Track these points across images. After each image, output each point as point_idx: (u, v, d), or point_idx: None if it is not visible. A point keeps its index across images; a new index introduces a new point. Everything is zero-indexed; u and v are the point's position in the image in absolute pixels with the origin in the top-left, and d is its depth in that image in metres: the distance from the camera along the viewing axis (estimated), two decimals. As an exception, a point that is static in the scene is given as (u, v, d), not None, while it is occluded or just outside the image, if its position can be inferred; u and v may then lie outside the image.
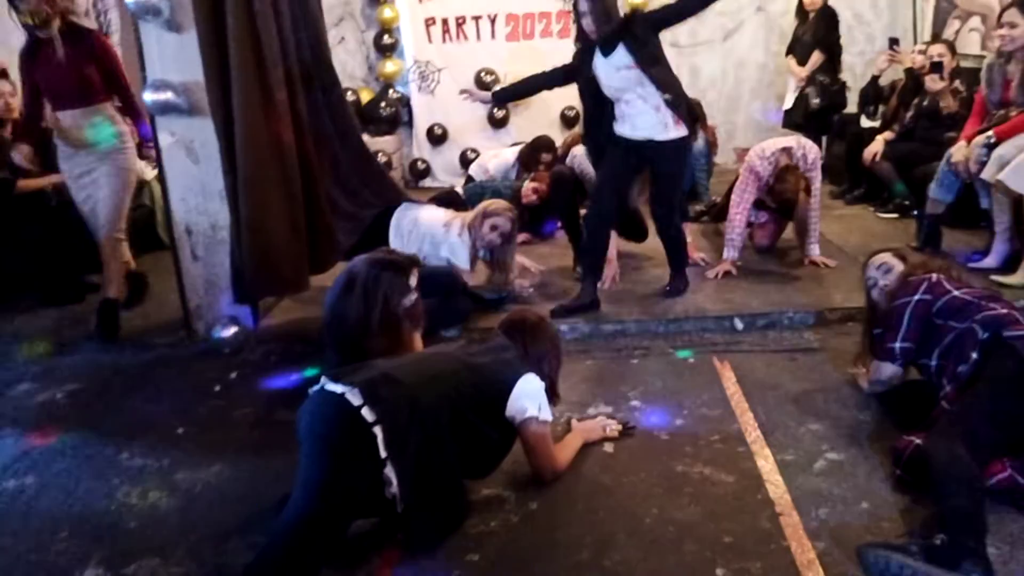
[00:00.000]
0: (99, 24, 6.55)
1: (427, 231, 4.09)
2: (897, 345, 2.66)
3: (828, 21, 6.26)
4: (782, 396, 3.05)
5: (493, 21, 7.38)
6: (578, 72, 3.93)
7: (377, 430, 2.09)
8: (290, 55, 3.74)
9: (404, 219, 4.15)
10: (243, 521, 2.42)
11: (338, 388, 2.15)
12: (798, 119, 6.38)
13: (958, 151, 4.25)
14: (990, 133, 4.10)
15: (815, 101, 6.19)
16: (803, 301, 3.90)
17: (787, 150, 4.31)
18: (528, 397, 2.38)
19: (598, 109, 3.92)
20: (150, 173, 5.54)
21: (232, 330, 3.85)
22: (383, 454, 2.10)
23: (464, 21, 7.37)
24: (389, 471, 2.12)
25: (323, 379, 2.23)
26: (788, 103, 6.55)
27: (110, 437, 3.02)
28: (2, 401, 3.44)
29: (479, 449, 2.36)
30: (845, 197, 5.90)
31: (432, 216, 4.17)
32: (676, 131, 3.74)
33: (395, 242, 4.08)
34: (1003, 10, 4.26)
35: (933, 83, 4.95)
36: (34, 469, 2.81)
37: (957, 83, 5.04)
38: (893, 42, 5.93)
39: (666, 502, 2.39)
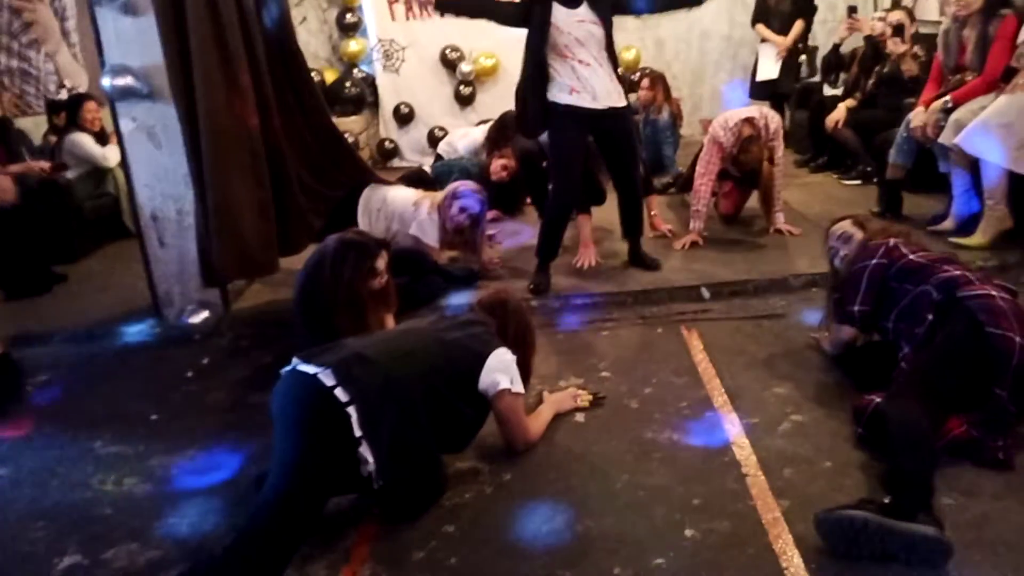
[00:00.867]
0: (54, 10, 6.42)
1: (396, 210, 4.10)
2: (856, 308, 2.72)
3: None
4: (748, 362, 3.12)
5: (457, -3, 7.31)
6: (529, 19, 3.62)
7: (351, 410, 2.12)
8: (255, 36, 3.71)
9: (373, 198, 4.15)
10: (220, 503, 2.44)
11: (310, 369, 2.17)
12: (787, 89, 6.33)
13: (916, 116, 4.34)
14: (947, 98, 4.18)
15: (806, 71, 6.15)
16: (768, 268, 3.97)
17: (750, 120, 4.36)
18: (500, 371, 2.41)
19: (539, 71, 3.68)
20: (115, 158, 5.47)
21: (202, 315, 3.86)
22: (358, 433, 2.12)
23: (427, -2, 7.30)
24: (364, 450, 2.14)
25: (294, 360, 2.24)
26: (769, 74, 6.42)
27: (83, 426, 3.02)
28: (-29, 394, 3.41)
29: (453, 424, 2.39)
30: (809, 165, 5.97)
31: (401, 195, 4.18)
32: (625, 99, 3.84)
33: (363, 221, 4.09)
34: None
35: (895, 46, 5.05)
36: (7, 461, 2.81)
37: (917, 48, 5.12)
38: (852, 10, 5.99)
39: (636, 468, 2.45)
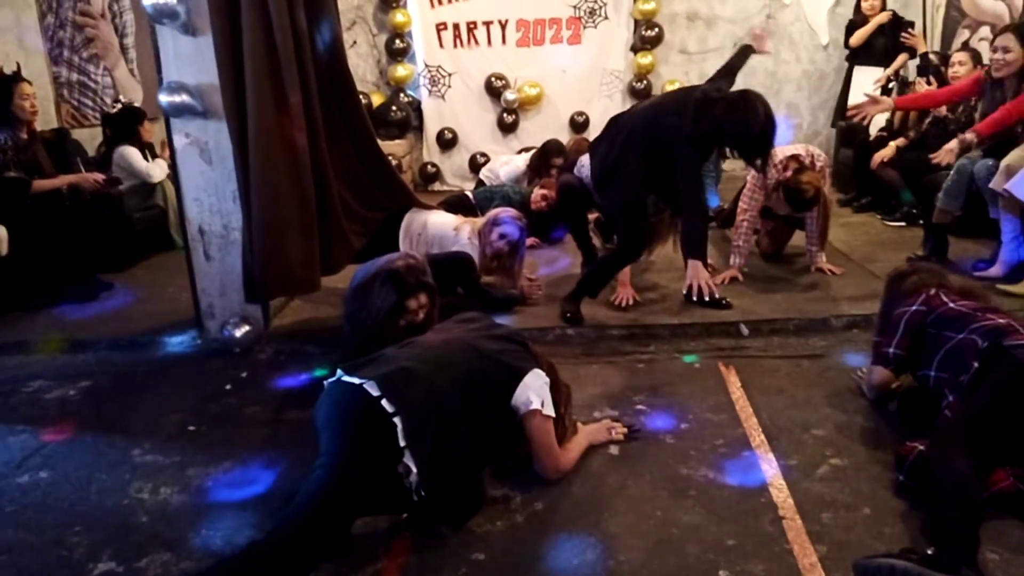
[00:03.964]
0: (115, 27, 6.64)
1: (437, 234, 4.14)
2: (892, 350, 2.73)
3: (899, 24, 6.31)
4: (787, 402, 3.07)
5: (504, 27, 7.44)
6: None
7: (397, 420, 2.15)
8: (306, 59, 3.79)
9: (414, 222, 4.20)
10: (254, 517, 2.46)
11: (356, 379, 2.21)
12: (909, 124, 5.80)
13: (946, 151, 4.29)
14: (969, 136, 4.14)
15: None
16: (809, 308, 3.92)
17: (796, 157, 4.33)
18: (534, 390, 2.43)
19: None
20: (159, 174, 5.61)
21: (243, 329, 3.90)
22: (403, 443, 2.15)
23: (475, 26, 7.43)
24: (408, 460, 2.17)
25: (339, 371, 2.29)
26: (862, 97, 6.31)
27: (122, 433, 3.07)
28: (16, 397, 3.49)
29: (490, 435, 2.41)
30: (853, 205, 5.92)
31: (442, 220, 4.22)
32: None
33: (404, 244, 4.13)
34: (997, 33, 4.28)
35: (921, 86, 5.11)
36: (47, 464, 2.86)
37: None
38: (909, 25, 6.03)
39: (670, 504, 2.42)
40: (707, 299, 3.71)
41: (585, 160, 4.58)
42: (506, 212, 4.13)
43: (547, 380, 2.50)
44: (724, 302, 3.90)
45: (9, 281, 4.45)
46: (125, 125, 5.64)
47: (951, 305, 2.65)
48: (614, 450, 2.75)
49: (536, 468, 2.53)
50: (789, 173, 4.25)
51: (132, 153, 5.51)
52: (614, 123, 3.93)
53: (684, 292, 3.81)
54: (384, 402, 2.16)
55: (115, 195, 5.31)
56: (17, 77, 4.66)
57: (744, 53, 4.29)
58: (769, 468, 2.59)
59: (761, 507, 2.38)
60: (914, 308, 2.69)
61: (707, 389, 3.21)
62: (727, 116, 3.49)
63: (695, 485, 2.52)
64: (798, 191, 4.19)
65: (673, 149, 3.58)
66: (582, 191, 4.44)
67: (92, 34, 6.40)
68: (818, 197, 4.25)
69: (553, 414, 2.49)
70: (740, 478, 2.54)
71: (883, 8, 6.33)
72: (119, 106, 6.29)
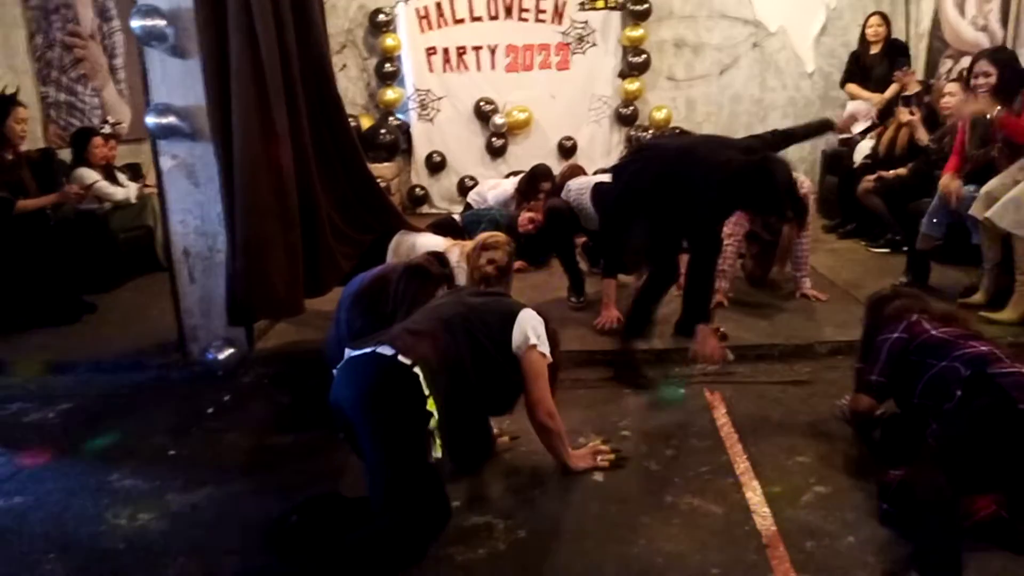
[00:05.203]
0: (104, 47, 6.64)
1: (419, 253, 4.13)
2: (873, 378, 2.72)
3: (902, 51, 6.37)
4: (772, 428, 3.07)
5: (493, 52, 7.50)
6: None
7: (417, 370, 2.22)
8: (295, 83, 3.80)
9: (403, 243, 4.20)
10: (232, 543, 2.42)
11: (366, 348, 2.30)
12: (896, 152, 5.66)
13: (945, 181, 4.36)
14: None
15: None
16: (794, 333, 3.93)
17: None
18: (531, 327, 2.52)
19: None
20: (119, 195, 5.55)
21: (227, 352, 3.87)
22: (426, 392, 2.21)
23: (465, 51, 7.48)
24: (431, 408, 2.23)
25: (346, 352, 2.36)
26: (856, 129, 6.28)
27: (101, 458, 3.03)
28: (-5, 420, 3.45)
29: (498, 380, 2.50)
30: (837, 231, 5.96)
31: (431, 243, 4.22)
32: None
33: (391, 260, 4.14)
34: (974, 62, 4.35)
35: (903, 116, 5.19)
36: (24, 489, 2.81)
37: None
38: (903, 56, 6.11)
39: (655, 532, 2.40)
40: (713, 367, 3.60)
41: (573, 184, 4.61)
42: (495, 237, 4.13)
43: (541, 319, 2.58)
44: (719, 332, 3.89)
45: (-9, 302, 4.41)
46: (76, 147, 5.60)
47: (933, 332, 2.64)
48: (598, 476, 2.73)
49: (528, 408, 2.57)
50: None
51: (87, 175, 5.42)
52: (640, 153, 3.92)
53: (690, 356, 3.59)
54: (400, 357, 2.23)
55: (100, 215, 5.29)
56: (14, 100, 4.64)
57: (820, 129, 4.27)
58: (753, 496, 2.58)
59: (745, 535, 2.37)
60: (896, 336, 2.68)
61: (692, 415, 3.21)
62: (747, 189, 3.37)
63: (679, 512, 2.51)
64: (769, 224, 4.38)
65: (694, 203, 3.46)
66: (570, 216, 4.46)
67: (81, 55, 6.40)
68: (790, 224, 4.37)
69: (548, 353, 2.55)
70: (725, 505, 2.53)
71: (888, 35, 6.34)
72: (107, 127, 6.29)
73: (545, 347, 2.55)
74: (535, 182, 5.54)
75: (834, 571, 2.17)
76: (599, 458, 2.78)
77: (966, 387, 2.40)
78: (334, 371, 2.38)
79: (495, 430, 2.91)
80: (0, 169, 4.48)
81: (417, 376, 2.22)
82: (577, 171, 5.28)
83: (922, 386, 2.55)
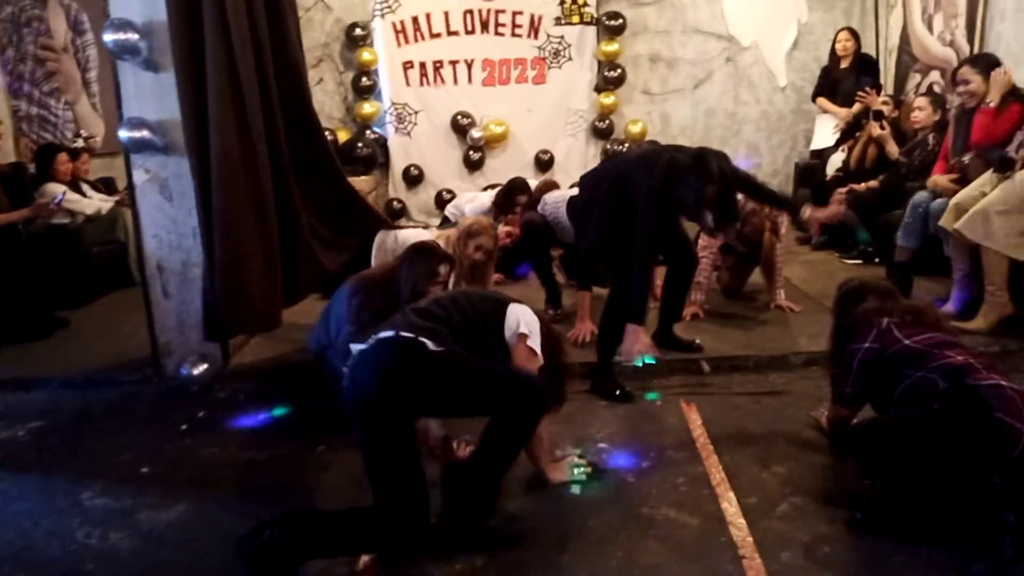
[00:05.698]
0: (77, 61, 6.59)
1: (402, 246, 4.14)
2: (848, 390, 2.73)
3: (872, 66, 6.48)
4: (747, 439, 3.09)
5: (470, 66, 7.52)
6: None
7: (423, 339, 2.32)
8: (272, 96, 3.79)
9: (387, 239, 4.27)
10: (206, 561, 2.39)
11: (384, 334, 2.36)
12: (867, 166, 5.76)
13: (933, 182, 4.49)
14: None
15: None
16: (769, 344, 3.97)
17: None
18: (523, 319, 2.55)
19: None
20: (86, 207, 5.51)
21: (201, 368, 3.84)
22: (434, 348, 2.32)
23: (441, 65, 7.50)
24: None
25: (352, 348, 2.41)
26: (823, 143, 6.52)
27: (72, 476, 2.98)
28: (-38, 438, 3.38)
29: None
30: (811, 243, 6.03)
31: (416, 235, 4.27)
32: None
33: (375, 259, 4.15)
34: (955, 69, 4.44)
35: (874, 130, 5.31)
36: (-8, 508, 2.77)
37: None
38: (873, 69, 6.25)
39: (632, 544, 2.40)
40: (641, 364, 3.50)
41: (549, 198, 4.63)
42: (479, 223, 4.16)
43: (535, 316, 2.60)
44: (694, 344, 3.92)
45: (-40, 317, 4.34)
46: (41, 163, 5.57)
47: (906, 342, 2.60)
48: (575, 489, 2.73)
49: None
50: (747, 210, 4.33)
51: (54, 189, 5.38)
52: (604, 163, 3.94)
53: (617, 357, 3.46)
54: (402, 333, 2.33)
55: (72, 229, 5.23)
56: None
57: (784, 203, 4.18)
58: (729, 507, 2.59)
59: (721, 546, 2.37)
60: (866, 346, 2.66)
61: (668, 427, 3.22)
62: (679, 176, 3.32)
63: (656, 524, 2.51)
64: (743, 236, 4.41)
65: (637, 205, 3.42)
66: (546, 229, 4.48)
67: (54, 68, 6.35)
68: (762, 241, 4.45)
69: (538, 347, 2.55)
70: (700, 516, 2.54)
71: (857, 50, 6.45)
72: (80, 140, 6.24)
73: (536, 342, 2.54)
74: (511, 195, 5.56)
75: (809, 581, 2.18)
76: (576, 471, 2.78)
77: (943, 399, 2.39)
78: (345, 368, 2.40)
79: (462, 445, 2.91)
80: (-30, 184, 4.43)
81: (424, 344, 2.30)
82: (552, 186, 5.29)
83: (898, 396, 2.54)
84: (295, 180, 3.97)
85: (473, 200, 6.01)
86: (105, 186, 6.13)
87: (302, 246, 3.98)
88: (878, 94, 5.99)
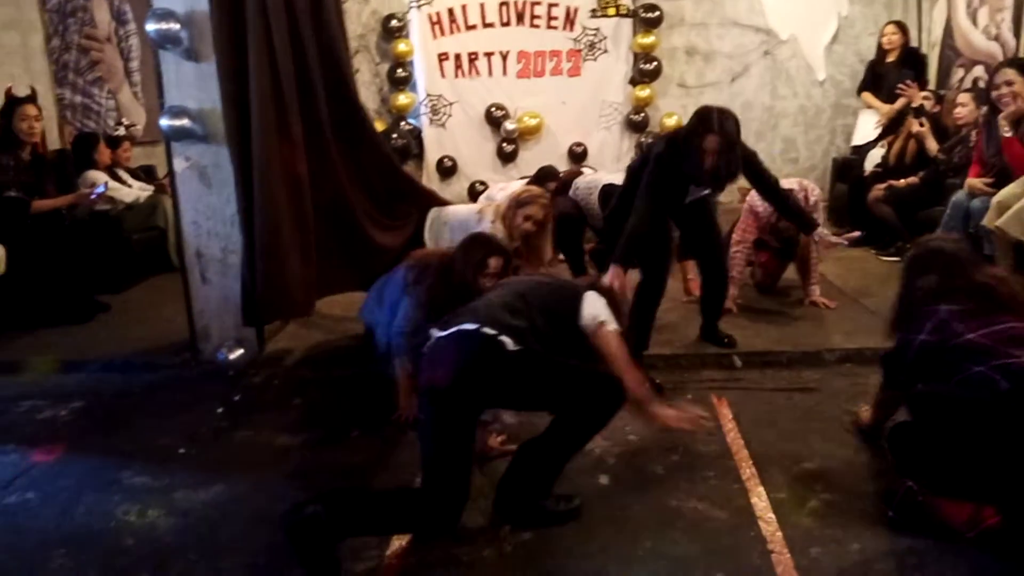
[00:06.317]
0: (120, 51, 6.72)
1: (460, 220, 4.12)
2: (902, 376, 2.60)
3: (919, 61, 6.36)
4: (778, 434, 3.07)
5: (505, 58, 7.52)
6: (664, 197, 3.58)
7: (504, 338, 2.33)
8: (316, 89, 3.82)
9: (439, 216, 4.25)
10: (238, 541, 2.45)
11: (450, 329, 2.39)
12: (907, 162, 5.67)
13: (969, 185, 4.44)
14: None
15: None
16: (802, 340, 3.93)
17: (788, 191, 4.36)
18: (598, 308, 2.54)
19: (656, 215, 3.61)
20: (126, 195, 5.62)
21: (238, 353, 3.90)
22: (512, 349, 2.33)
23: (476, 57, 7.51)
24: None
25: (432, 331, 2.45)
26: (865, 138, 6.39)
27: (112, 455, 3.06)
28: (8, 417, 3.49)
29: (570, 348, 2.53)
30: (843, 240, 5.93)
31: (465, 208, 4.29)
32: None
33: (428, 235, 4.16)
34: (994, 71, 4.35)
35: (913, 126, 5.26)
36: (35, 485, 2.85)
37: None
38: (920, 62, 6.11)
39: (659, 536, 2.41)
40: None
41: (580, 183, 4.62)
42: (529, 192, 4.05)
43: (604, 300, 2.59)
44: (727, 339, 3.90)
45: (6, 300, 4.46)
46: (80, 152, 5.70)
47: (969, 336, 2.40)
48: (604, 480, 2.74)
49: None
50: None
51: (94, 176, 5.52)
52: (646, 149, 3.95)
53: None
54: (485, 329, 2.34)
55: (113, 216, 5.35)
56: (20, 99, 4.69)
57: (809, 225, 3.94)
58: (759, 501, 2.58)
59: (750, 540, 2.37)
60: (922, 338, 2.48)
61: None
62: (684, 137, 3.44)
63: (684, 517, 2.51)
64: (778, 231, 4.38)
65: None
66: (579, 216, 4.47)
67: (97, 57, 6.48)
68: (797, 238, 4.39)
69: (618, 328, 2.56)
70: (729, 511, 2.53)
71: (904, 44, 6.33)
72: (122, 128, 6.37)
73: (613, 324, 2.56)
74: (541, 183, 5.53)
75: (839, 577, 2.17)
76: (687, 419, 2.58)
77: (1004, 401, 2.24)
78: (423, 351, 2.46)
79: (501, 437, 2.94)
80: (17, 169, 4.53)
81: (503, 343, 2.32)
82: (576, 175, 5.29)
83: (957, 381, 2.37)
84: (344, 168, 4.00)
85: (504, 189, 6.01)
86: (146, 174, 6.25)
87: (356, 235, 4.02)
88: (921, 88, 5.89)
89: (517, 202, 3.89)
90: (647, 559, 2.30)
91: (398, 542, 2.39)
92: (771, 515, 2.49)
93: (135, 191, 5.75)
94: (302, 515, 2.15)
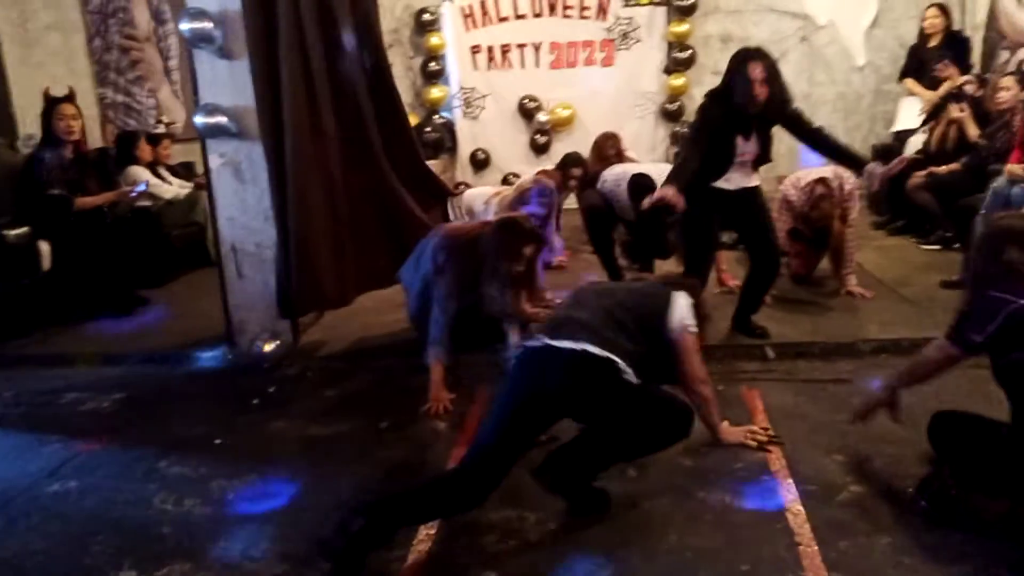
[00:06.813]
0: (159, 50, 6.85)
1: (468, 204, 4.20)
2: (977, 337, 2.42)
3: (962, 44, 6.20)
4: (810, 426, 3.03)
5: (537, 49, 7.52)
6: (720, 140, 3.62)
7: (619, 362, 2.41)
8: (357, 86, 3.86)
9: (461, 201, 4.33)
10: (272, 531, 2.50)
11: (562, 340, 2.44)
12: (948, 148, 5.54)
13: (1010, 171, 4.37)
14: None
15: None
16: (836, 331, 3.88)
17: (823, 180, 4.31)
18: (686, 313, 2.64)
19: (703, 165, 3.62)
20: (166, 192, 5.74)
21: (273, 345, 3.97)
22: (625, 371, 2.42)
23: (509, 49, 7.52)
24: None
25: (541, 337, 2.50)
26: (906, 124, 6.28)
27: (151, 446, 3.15)
28: (52, 408, 3.60)
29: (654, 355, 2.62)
30: (887, 228, 5.84)
31: (479, 192, 4.33)
32: (758, 179, 3.82)
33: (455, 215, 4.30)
34: None
35: (953, 111, 5.15)
36: (77, 474, 2.94)
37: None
38: (939, 59, 5.95)
39: (685, 528, 2.40)
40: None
41: (609, 175, 4.60)
42: (539, 184, 4.15)
43: (692, 301, 2.68)
44: (759, 331, 3.86)
45: (50, 295, 4.59)
46: (122, 150, 5.83)
47: None
48: (632, 471, 2.73)
49: (682, 380, 2.72)
50: (816, 194, 4.24)
51: (136, 173, 5.66)
52: None
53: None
54: (597, 351, 2.40)
55: (154, 212, 5.47)
56: (58, 99, 4.79)
57: (858, 162, 3.91)
58: (788, 493, 2.55)
59: (777, 533, 2.35)
60: (1020, 303, 2.33)
61: (729, 412, 3.16)
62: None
63: (711, 509, 2.50)
64: (810, 221, 4.33)
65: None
66: (607, 210, 4.45)
67: (137, 57, 6.62)
68: (831, 228, 4.32)
69: (697, 330, 2.69)
70: (757, 503, 2.51)
71: (947, 27, 6.15)
72: (161, 127, 6.50)
73: (695, 327, 2.67)
74: (566, 170, 5.51)
75: (866, 571, 2.14)
76: (749, 437, 2.85)
77: None
78: (519, 360, 2.55)
79: None
80: (60, 167, 4.66)
81: (620, 369, 2.40)
82: (610, 139, 5.27)
83: None
84: (386, 158, 4.04)
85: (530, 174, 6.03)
86: (185, 170, 6.37)
87: (396, 222, 4.08)
88: (962, 73, 5.74)
89: (521, 199, 4.05)
90: (671, 551, 2.29)
91: (425, 532, 2.42)
92: (799, 507, 2.47)
93: (175, 188, 5.87)
94: (351, 532, 2.16)
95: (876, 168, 3.65)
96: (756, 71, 3.47)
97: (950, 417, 2.59)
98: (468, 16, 7.46)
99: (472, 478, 2.37)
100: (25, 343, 4.35)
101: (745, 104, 3.51)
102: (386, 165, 4.04)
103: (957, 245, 4.90)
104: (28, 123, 5.34)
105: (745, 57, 3.54)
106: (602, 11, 7.43)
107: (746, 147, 3.64)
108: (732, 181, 3.67)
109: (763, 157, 3.75)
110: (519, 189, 4.15)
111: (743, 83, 3.49)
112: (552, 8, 7.45)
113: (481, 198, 4.34)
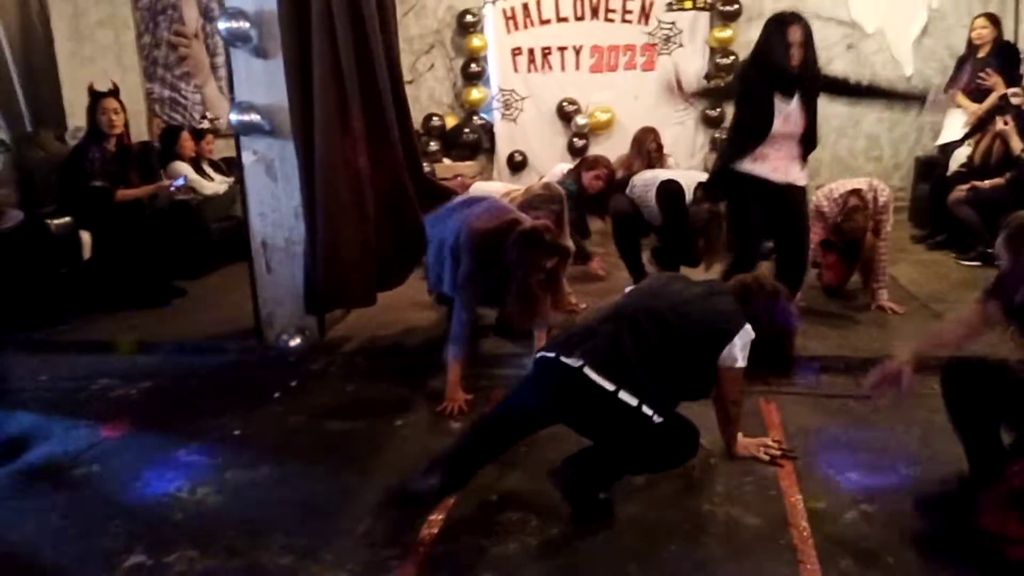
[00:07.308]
0: (206, 47, 7.02)
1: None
2: (1018, 298, 2.35)
3: (1013, 55, 6.01)
4: (825, 443, 2.99)
5: (578, 52, 7.50)
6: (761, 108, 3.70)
7: (623, 395, 2.37)
8: (382, 90, 3.91)
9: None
10: (280, 522, 2.55)
11: (569, 360, 2.43)
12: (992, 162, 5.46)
13: None
14: None
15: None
16: (864, 346, 3.80)
17: (856, 191, 4.23)
18: (742, 349, 2.56)
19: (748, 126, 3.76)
20: (207, 188, 5.88)
21: (298, 340, 4.04)
22: (632, 403, 2.38)
23: (550, 51, 7.52)
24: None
25: (555, 352, 2.47)
26: (950, 137, 6.05)
27: (173, 433, 3.23)
28: (84, 393, 3.72)
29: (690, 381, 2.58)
30: (926, 242, 5.70)
31: (493, 187, 4.37)
32: (806, 179, 3.81)
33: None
34: None
35: (997, 124, 5.07)
36: (101, 459, 3.04)
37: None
38: (1016, 54, 5.82)
39: (688, 539, 2.39)
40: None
41: (638, 180, 4.58)
42: (548, 189, 4.16)
43: (752, 334, 2.57)
44: None
45: (90, 283, 4.74)
46: (167, 144, 6.00)
47: None
48: (639, 480, 2.72)
49: (718, 396, 2.73)
50: (849, 206, 4.17)
51: (178, 168, 5.82)
52: None
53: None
54: (616, 391, 2.36)
55: (193, 206, 5.61)
56: (102, 93, 4.93)
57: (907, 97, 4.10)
58: (794, 509, 2.52)
59: (779, 548, 2.32)
60: None
61: (744, 424, 3.13)
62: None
63: (715, 522, 2.48)
64: (842, 232, 4.27)
65: None
66: (635, 216, 4.44)
67: (185, 53, 6.79)
68: (863, 240, 4.25)
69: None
70: (763, 517, 2.49)
71: (997, 38, 5.97)
72: (207, 122, 6.66)
73: (744, 361, 2.59)
74: (578, 171, 5.47)
75: (867, 591, 2.11)
76: (762, 451, 2.84)
77: None
78: (535, 373, 2.56)
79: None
80: (103, 160, 4.80)
81: (622, 400, 2.36)
82: (650, 133, 5.25)
83: None
84: (404, 159, 4.09)
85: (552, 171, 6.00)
86: (228, 165, 6.50)
87: (412, 221, 4.11)
88: (1009, 85, 5.57)
89: (530, 203, 4.03)
90: (669, 561, 2.28)
91: (427, 530, 2.45)
92: (805, 524, 2.43)
93: (215, 185, 6.00)
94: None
95: (939, 94, 3.65)
96: (795, 34, 3.57)
97: (966, 367, 2.48)
98: (510, 18, 7.48)
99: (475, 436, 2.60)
100: (64, 329, 4.49)
101: (782, 66, 3.60)
102: (402, 166, 4.08)
103: (997, 262, 4.75)
104: (77, 116, 5.50)
105: (782, 20, 3.64)
106: (645, 15, 7.38)
107: (788, 108, 3.67)
108: (779, 171, 3.65)
109: (809, 137, 3.77)
110: (528, 193, 4.14)
111: (780, 45, 3.58)
112: (595, 11, 7.43)
113: (496, 192, 4.32)
